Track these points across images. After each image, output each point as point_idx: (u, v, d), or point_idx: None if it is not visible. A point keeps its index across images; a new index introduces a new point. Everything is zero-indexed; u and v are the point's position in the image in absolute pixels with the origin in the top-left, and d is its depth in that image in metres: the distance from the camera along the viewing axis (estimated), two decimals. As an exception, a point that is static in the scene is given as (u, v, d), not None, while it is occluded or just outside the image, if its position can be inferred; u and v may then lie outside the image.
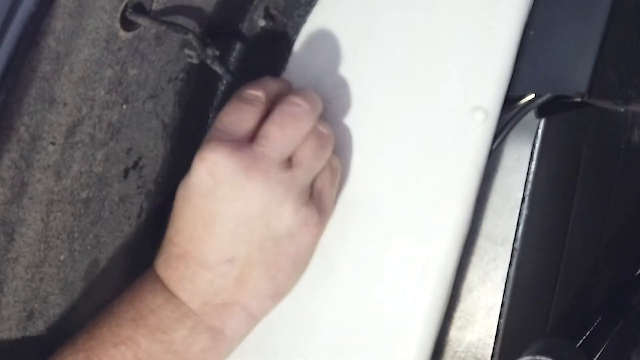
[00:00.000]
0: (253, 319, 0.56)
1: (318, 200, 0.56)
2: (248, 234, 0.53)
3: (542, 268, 0.68)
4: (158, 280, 0.55)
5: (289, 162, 0.54)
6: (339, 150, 0.60)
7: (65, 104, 0.49)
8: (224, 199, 0.52)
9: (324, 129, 0.56)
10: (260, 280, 0.54)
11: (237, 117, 0.54)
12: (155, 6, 0.53)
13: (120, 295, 0.56)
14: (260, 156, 0.53)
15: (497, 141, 0.59)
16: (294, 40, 0.62)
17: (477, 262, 0.63)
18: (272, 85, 0.57)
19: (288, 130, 0.54)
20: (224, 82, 0.62)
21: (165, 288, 0.55)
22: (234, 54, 0.62)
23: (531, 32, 0.57)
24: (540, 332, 0.69)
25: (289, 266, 0.55)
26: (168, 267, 0.55)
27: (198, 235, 0.53)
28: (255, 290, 0.55)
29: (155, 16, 0.52)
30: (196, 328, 0.54)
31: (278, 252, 0.54)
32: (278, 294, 0.56)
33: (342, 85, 0.60)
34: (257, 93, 0.55)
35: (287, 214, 0.53)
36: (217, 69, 0.57)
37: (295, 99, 0.55)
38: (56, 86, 0.48)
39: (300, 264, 0.56)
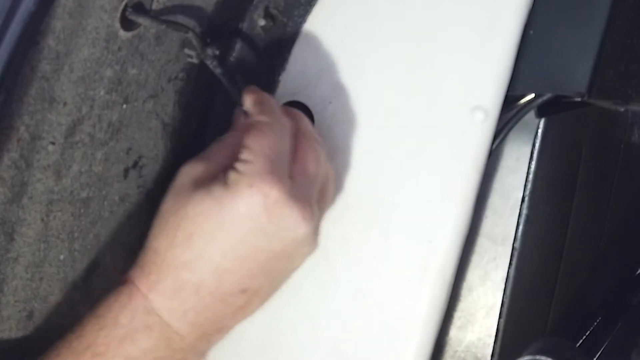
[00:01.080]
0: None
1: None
2: (272, 268, 0.52)
3: (542, 268, 0.68)
4: (153, 314, 0.51)
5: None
6: (339, 150, 0.60)
7: (65, 104, 0.49)
8: (271, 237, 0.50)
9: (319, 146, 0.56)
10: (259, 304, 0.54)
11: (284, 148, 0.52)
12: (155, 6, 0.53)
13: (103, 325, 0.51)
14: (309, 196, 0.52)
15: (497, 141, 0.59)
16: (294, 40, 0.62)
17: (477, 261, 0.63)
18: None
19: (320, 167, 0.54)
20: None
21: (161, 321, 0.51)
22: (234, 54, 0.62)
23: (531, 32, 0.57)
24: (540, 332, 0.69)
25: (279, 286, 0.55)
26: (176, 298, 0.50)
27: (226, 266, 0.50)
28: (249, 313, 0.53)
29: (155, 16, 0.52)
30: (187, 354, 0.52)
31: (281, 283, 0.54)
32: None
33: (342, 85, 0.60)
34: (285, 122, 0.54)
35: (307, 251, 0.53)
36: (215, 70, 0.57)
37: (314, 135, 0.55)
38: (56, 86, 0.48)
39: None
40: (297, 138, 0.54)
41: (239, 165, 0.50)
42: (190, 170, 0.53)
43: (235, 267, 0.50)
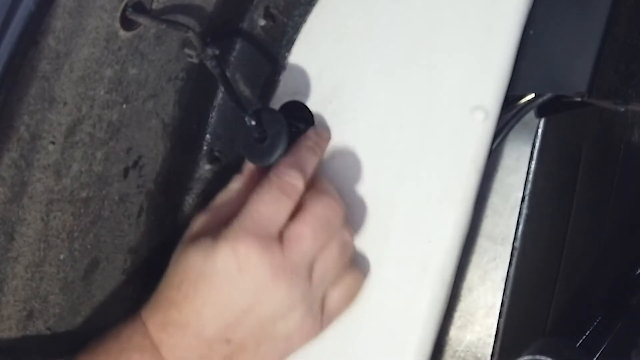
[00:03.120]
0: None
1: (327, 316, 0.57)
2: (253, 325, 0.54)
3: (542, 268, 0.68)
4: (148, 338, 0.55)
5: (312, 264, 0.55)
6: (339, 150, 0.60)
7: (65, 103, 0.49)
8: (244, 291, 0.53)
9: (348, 234, 0.56)
10: None
11: (275, 211, 0.54)
12: (155, 6, 0.53)
13: (105, 339, 0.55)
14: (289, 261, 0.53)
15: (497, 141, 0.59)
16: (294, 40, 0.62)
17: (477, 261, 0.63)
18: (311, 162, 0.57)
19: (320, 236, 0.54)
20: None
21: (153, 347, 0.54)
22: (234, 54, 0.62)
23: (531, 32, 0.57)
24: (540, 332, 0.69)
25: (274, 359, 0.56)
26: (165, 330, 0.54)
27: (207, 313, 0.53)
28: None
29: (155, 15, 0.52)
30: None
31: (271, 348, 0.55)
32: None
33: (342, 85, 0.60)
34: (297, 182, 0.55)
35: (294, 319, 0.54)
36: (214, 71, 0.56)
37: (330, 201, 0.55)
38: (56, 85, 0.48)
39: (283, 359, 0.57)
40: (305, 196, 0.55)
41: (232, 222, 0.54)
42: (196, 223, 0.58)
43: (215, 315, 0.53)
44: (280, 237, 0.54)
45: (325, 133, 0.60)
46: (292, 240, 0.54)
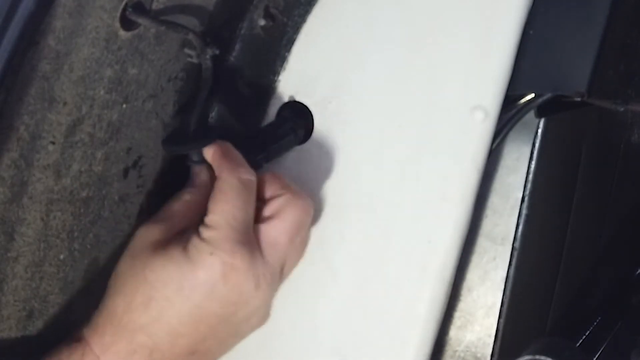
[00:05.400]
0: None
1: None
2: (222, 332, 0.53)
3: (542, 268, 0.68)
4: None
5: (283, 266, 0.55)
6: (339, 150, 0.60)
7: (65, 103, 0.49)
8: (225, 302, 0.52)
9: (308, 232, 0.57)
10: None
11: (248, 213, 0.53)
12: (155, 6, 0.53)
13: None
14: (269, 267, 0.53)
15: (497, 141, 0.59)
16: (294, 40, 0.62)
17: (477, 261, 0.63)
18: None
19: (295, 240, 0.55)
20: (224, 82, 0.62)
21: None
22: (234, 54, 0.62)
23: (531, 32, 0.57)
24: (540, 332, 0.69)
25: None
26: (129, 357, 0.51)
27: (181, 331, 0.52)
28: None
29: (155, 16, 0.52)
30: None
31: (233, 341, 0.55)
32: None
33: (342, 85, 0.60)
34: (252, 178, 0.54)
35: (260, 314, 0.54)
36: (205, 74, 0.56)
37: (304, 204, 0.55)
38: (56, 85, 0.48)
39: None
40: (280, 200, 0.55)
41: (202, 231, 0.52)
42: (148, 232, 0.54)
43: (189, 331, 0.52)
44: (257, 239, 0.53)
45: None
46: (270, 246, 0.53)
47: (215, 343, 0.54)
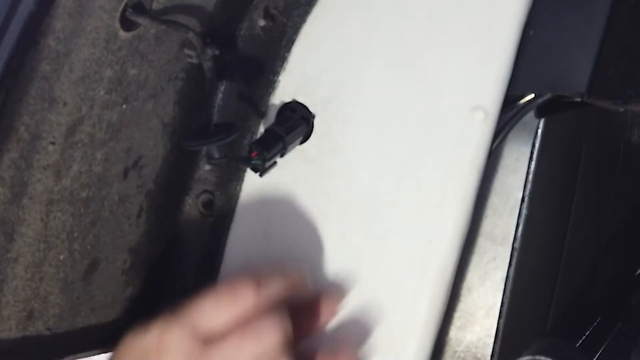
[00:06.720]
0: None
1: None
2: None
3: (542, 268, 0.68)
4: None
5: None
6: (339, 150, 0.60)
7: (65, 104, 0.49)
8: None
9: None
10: None
11: (213, 310, 0.53)
12: (155, 6, 0.53)
13: None
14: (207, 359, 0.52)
15: (497, 141, 0.59)
16: (294, 40, 0.62)
17: (477, 261, 0.63)
18: (273, 288, 0.55)
19: (245, 347, 0.52)
20: (224, 82, 0.62)
21: None
22: (234, 54, 0.62)
23: (531, 32, 0.57)
24: (540, 332, 0.69)
25: None
26: None
27: None
28: None
29: (155, 16, 0.52)
30: None
31: None
32: None
33: (341, 85, 0.60)
34: (249, 295, 0.53)
35: None
36: (208, 74, 0.57)
37: (273, 318, 0.53)
38: (56, 86, 0.48)
39: None
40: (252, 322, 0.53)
41: None
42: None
43: None
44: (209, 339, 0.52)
45: (301, 277, 0.57)
46: (218, 343, 0.52)
47: None
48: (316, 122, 0.60)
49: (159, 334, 0.52)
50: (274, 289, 0.55)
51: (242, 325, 0.53)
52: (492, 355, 0.63)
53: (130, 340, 0.53)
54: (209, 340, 0.52)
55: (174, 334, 0.52)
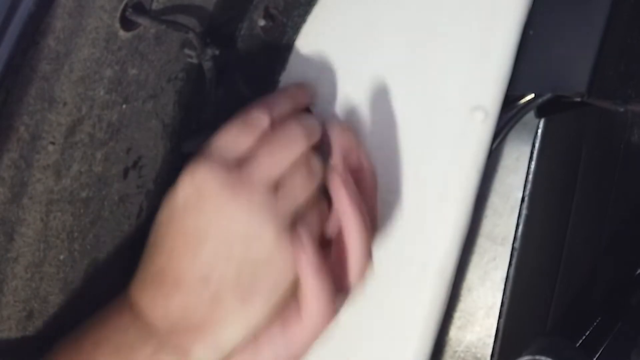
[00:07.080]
0: (220, 350, 0.52)
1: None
2: (226, 253, 0.51)
3: (542, 268, 0.68)
4: (127, 301, 0.54)
5: (275, 186, 0.53)
6: (338, 150, 0.60)
7: (65, 104, 0.49)
8: (207, 215, 0.51)
9: (315, 162, 0.55)
10: (233, 304, 0.51)
11: (233, 139, 0.54)
12: (155, 6, 0.53)
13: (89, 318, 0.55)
14: (247, 178, 0.52)
15: (497, 141, 0.59)
16: (294, 40, 0.62)
17: (477, 261, 0.63)
18: (283, 105, 0.57)
19: (277, 156, 0.53)
20: (224, 82, 0.62)
21: (134, 308, 0.53)
22: (234, 54, 0.62)
23: (531, 32, 0.57)
24: (540, 332, 0.69)
25: (265, 293, 0.52)
26: (143, 286, 0.53)
27: (177, 252, 0.52)
28: (226, 315, 0.52)
29: (155, 16, 0.52)
30: (161, 348, 0.52)
31: (255, 277, 0.52)
32: (250, 323, 0.52)
33: (341, 85, 0.60)
34: (262, 116, 0.54)
35: (268, 237, 0.51)
36: (208, 74, 0.57)
37: (292, 124, 0.55)
38: (56, 86, 0.48)
39: (276, 292, 0.52)
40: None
41: None
42: None
43: (185, 251, 0.52)
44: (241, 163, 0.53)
45: (305, 88, 0.60)
46: (249, 159, 0.53)
47: (226, 269, 0.51)
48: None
49: (190, 181, 0.52)
50: (284, 102, 0.57)
51: (266, 141, 0.54)
52: (492, 355, 0.63)
53: (166, 206, 0.53)
54: (240, 165, 0.53)
55: (205, 173, 0.52)
